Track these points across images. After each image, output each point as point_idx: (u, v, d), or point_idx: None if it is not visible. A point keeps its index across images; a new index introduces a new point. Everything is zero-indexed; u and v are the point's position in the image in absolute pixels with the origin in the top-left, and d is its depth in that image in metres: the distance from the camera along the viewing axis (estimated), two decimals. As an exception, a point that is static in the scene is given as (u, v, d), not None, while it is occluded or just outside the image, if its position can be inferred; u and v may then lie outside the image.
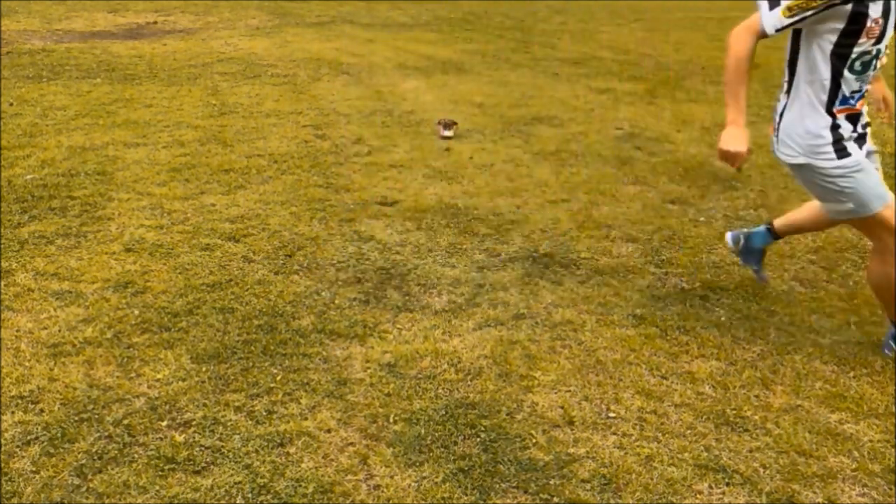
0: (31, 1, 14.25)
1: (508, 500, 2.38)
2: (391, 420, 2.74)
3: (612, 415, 2.79)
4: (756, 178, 5.29)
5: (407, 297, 3.60)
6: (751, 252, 3.71)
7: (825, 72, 2.86)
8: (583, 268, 3.93)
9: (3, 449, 2.56)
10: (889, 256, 3.00)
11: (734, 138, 2.89)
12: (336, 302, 3.55)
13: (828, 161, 2.93)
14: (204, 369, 3.01)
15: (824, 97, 2.90)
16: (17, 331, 3.27)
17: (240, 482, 2.42)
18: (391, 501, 2.38)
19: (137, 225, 4.35)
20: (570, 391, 2.92)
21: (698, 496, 2.42)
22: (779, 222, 3.64)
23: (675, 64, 9.41)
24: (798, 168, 3.04)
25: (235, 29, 11.75)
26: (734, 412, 2.81)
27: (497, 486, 2.43)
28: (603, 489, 2.43)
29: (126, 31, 11.44)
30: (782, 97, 3.04)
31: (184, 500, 2.36)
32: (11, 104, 6.89)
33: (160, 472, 2.46)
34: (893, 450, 2.63)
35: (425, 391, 2.90)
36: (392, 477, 2.47)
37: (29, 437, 2.61)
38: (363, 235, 4.27)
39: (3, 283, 3.68)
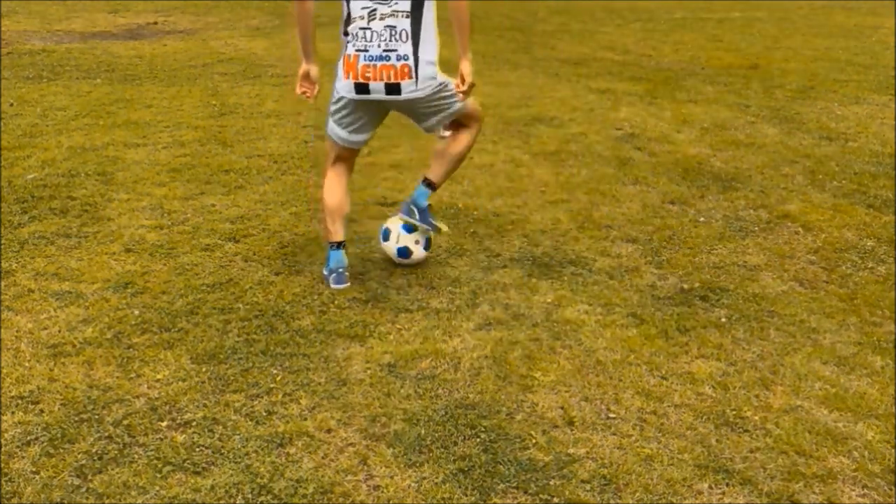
0: (31, 1, 14.25)
1: (508, 501, 2.38)
2: (391, 420, 2.74)
3: (612, 415, 2.79)
4: (756, 178, 5.29)
5: (407, 297, 3.60)
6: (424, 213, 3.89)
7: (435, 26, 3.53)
8: (583, 268, 3.93)
9: (3, 449, 2.56)
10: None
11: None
12: (336, 302, 3.55)
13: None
14: (204, 370, 3.01)
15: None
16: (17, 331, 3.27)
17: (240, 482, 2.42)
18: (391, 502, 2.38)
19: (137, 225, 4.35)
20: (570, 391, 2.92)
21: (698, 496, 2.42)
22: (433, 175, 3.87)
23: (675, 64, 9.41)
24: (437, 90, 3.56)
25: (235, 29, 11.75)
26: (734, 412, 2.81)
27: (497, 486, 2.43)
28: (603, 489, 2.43)
29: (126, 31, 11.44)
30: (408, 42, 3.46)
31: (184, 500, 2.36)
32: (12, 104, 6.89)
33: (160, 473, 2.46)
34: (893, 450, 2.63)
35: (425, 391, 2.90)
36: (392, 477, 2.47)
37: (29, 438, 2.61)
38: (363, 236, 4.27)
39: (3, 283, 3.68)
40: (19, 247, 4.05)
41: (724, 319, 3.46)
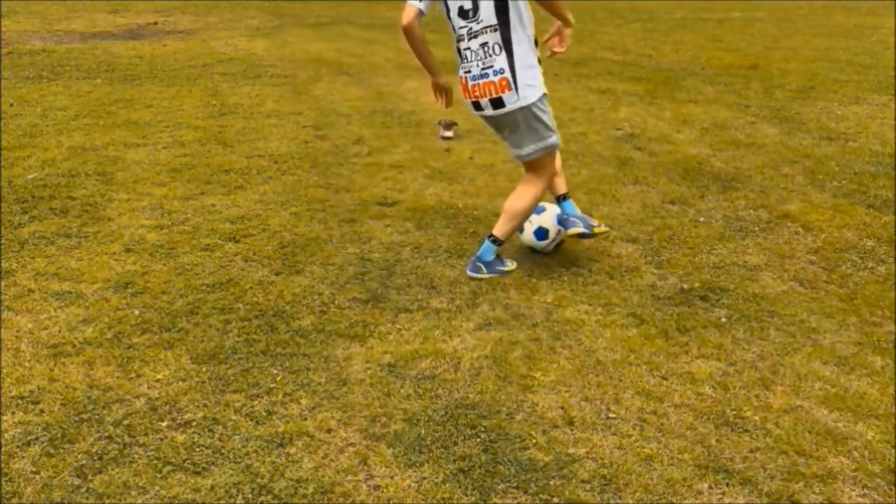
0: (31, 1, 14.25)
1: (508, 501, 2.38)
2: (391, 420, 2.74)
3: (612, 415, 2.79)
4: (756, 178, 5.29)
5: (407, 297, 3.60)
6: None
7: (531, 27, 3.56)
8: (583, 268, 3.93)
9: (3, 449, 2.56)
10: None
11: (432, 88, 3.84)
12: (336, 302, 3.55)
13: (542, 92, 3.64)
14: (204, 370, 3.01)
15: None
16: (17, 331, 3.27)
17: (240, 482, 2.42)
18: (391, 502, 2.38)
19: (137, 225, 4.35)
20: (570, 391, 2.92)
21: (698, 496, 2.42)
22: (497, 230, 3.86)
23: (675, 64, 9.41)
24: (529, 107, 3.59)
25: (235, 29, 11.75)
26: (734, 412, 2.81)
27: (497, 486, 2.43)
28: (603, 489, 2.43)
29: (126, 31, 11.44)
30: (502, 54, 3.53)
31: (184, 500, 2.36)
32: (12, 104, 6.89)
33: (160, 473, 2.46)
34: (893, 450, 2.63)
35: (425, 391, 2.90)
36: (392, 477, 2.47)
37: (29, 438, 2.61)
38: (363, 236, 4.28)
39: (3, 283, 3.68)
40: (19, 247, 4.05)
41: (724, 319, 3.46)
